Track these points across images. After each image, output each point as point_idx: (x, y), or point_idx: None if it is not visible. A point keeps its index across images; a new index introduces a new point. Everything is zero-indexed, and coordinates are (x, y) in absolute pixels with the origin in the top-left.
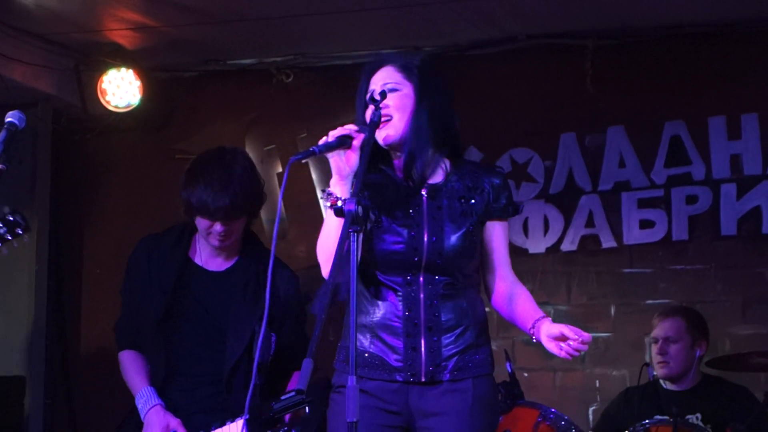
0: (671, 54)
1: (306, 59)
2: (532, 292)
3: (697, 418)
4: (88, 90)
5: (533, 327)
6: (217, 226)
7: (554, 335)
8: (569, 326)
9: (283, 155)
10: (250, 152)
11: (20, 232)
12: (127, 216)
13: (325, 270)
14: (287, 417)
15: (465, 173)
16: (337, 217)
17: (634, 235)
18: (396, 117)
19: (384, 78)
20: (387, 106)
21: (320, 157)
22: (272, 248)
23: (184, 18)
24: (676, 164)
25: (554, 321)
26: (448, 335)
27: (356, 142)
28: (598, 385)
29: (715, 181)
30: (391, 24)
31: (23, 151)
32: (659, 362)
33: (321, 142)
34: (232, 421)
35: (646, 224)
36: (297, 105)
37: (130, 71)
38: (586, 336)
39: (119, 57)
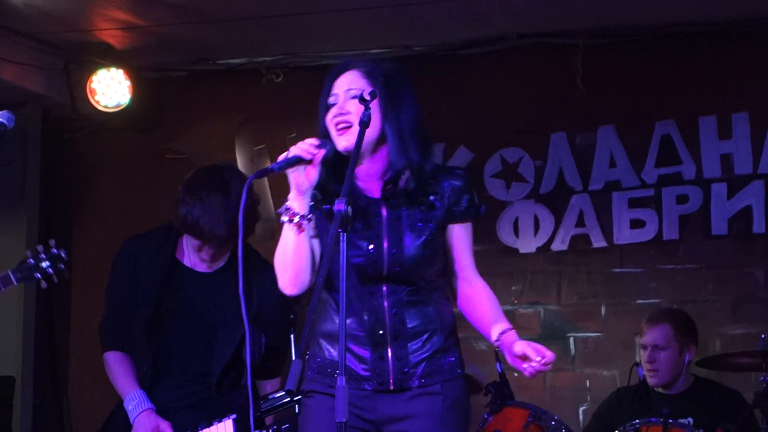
0: (662, 53)
1: (296, 59)
2: (521, 292)
3: (689, 422)
4: (77, 89)
5: (498, 340)
6: (207, 250)
7: (517, 355)
8: (532, 345)
9: (274, 155)
10: (240, 151)
11: (62, 267)
12: (117, 216)
13: (282, 281)
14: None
15: (423, 177)
16: (300, 235)
17: (624, 235)
18: (356, 123)
19: (349, 83)
20: (348, 113)
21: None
22: (239, 252)
23: (174, 17)
24: (667, 164)
25: (544, 326)
26: (415, 342)
27: (309, 157)
28: (588, 385)
29: (705, 181)
30: (382, 23)
31: (13, 150)
32: (649, 370)
33: (280, 158)
34: (220, 421)
35: (636, 224)
36: (287, 104)
37: (120, 71)
38: (549, 357)
39: (109, 56)
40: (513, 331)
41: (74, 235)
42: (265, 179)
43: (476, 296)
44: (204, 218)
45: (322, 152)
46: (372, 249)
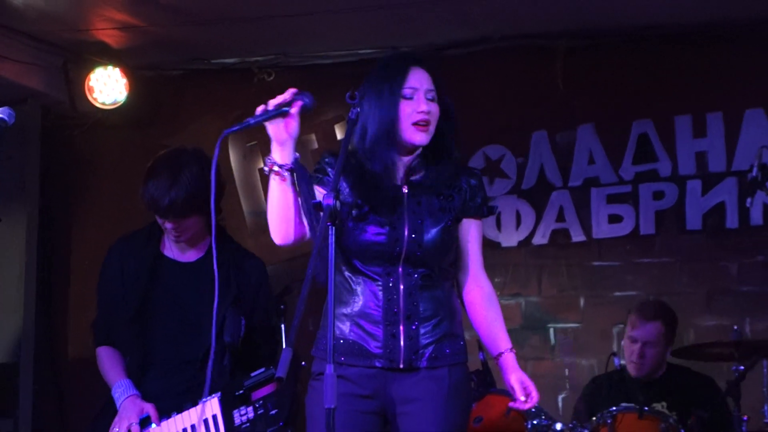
0: (639, 55)
1: (287, 58)
2: (504, 284)
3: (662, 406)
4: (75, 87)
5: (499, 357)
6: (167, 224)
7: (509, 384)
8: (522, 383)
9: (264, 151)
10: (233, 148)
11: None
12: (114, 209)
13: (272, 232)
14: (260, 393)
15: (444, 171)
16: (284, 183)
17: (602, 230)
18: (432, 125)
19: (427, 83)
20: (429, 113)
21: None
22: (213, 239)
23: (169, 18)
24: (644, 161)
25: (525, 317)
26: (426, 324)
27: (294, 110)
28: (567, 373)
29: (680, 178)
30: (370, 24)
31: (12, 146)
32: (635, 362)
33: (258, 111)
34: (206, 400)
35: (614, 219)
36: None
37: (117, 69)
38: (533, 401)
39: (106, 55)
40: (512, 354)
41: (73, 228)
42: (257, 174)
43: (483, 300)
44: (155, 190)
45: (299, 104)
46: (394, 227)
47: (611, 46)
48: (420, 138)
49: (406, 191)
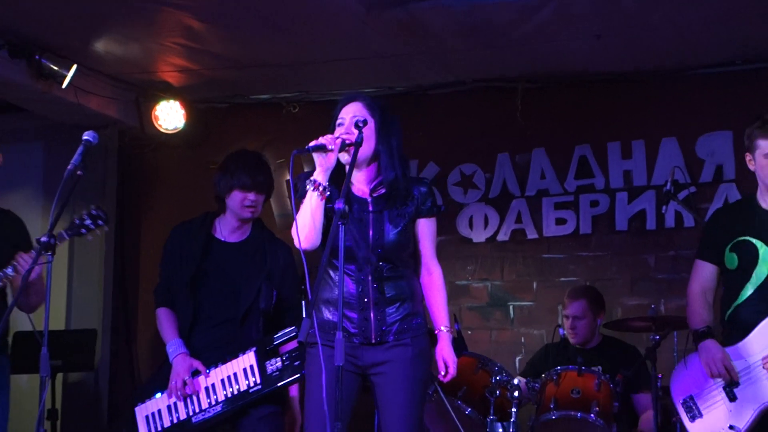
0: (580, 95)
1: (309, 95)
2: (474, 271)
3: (598, 369)
4: (145, 116)
5: (437, 331)
6: (251, 195)
7: (436, 358)
8: (441, 358)
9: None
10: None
11: (101, 223)
12: (173, 210)
13: (301, 236)
14: (286, 348)
15: (399, 184)
16: (322, 200)
17: (551, 230)
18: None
19: (353, 110)
20: (353, 133)
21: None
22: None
23: (218, 63)
24: (583, 177)
25: (491, 297)
26: (391, 307)
27: (332, 147)
28: (523, 340)
29: (611, 190)
30: (373, 70)
31: (96, 161)
32: (570, 333)
33: (311, 144)
34: (244, 353)
35: (560, 221)
36: (301, 130)
37: (177, 102)
38: (449, 376)
39: (168, 91)
40: (444, 333)
41: (142, 223)
42: (284, 184)
43: (431, 285)
44: (246, 170)
45: (338, 144)
46: (361, 233)
47: (558, 88)
48: (344, 155)
49: (371, 204)
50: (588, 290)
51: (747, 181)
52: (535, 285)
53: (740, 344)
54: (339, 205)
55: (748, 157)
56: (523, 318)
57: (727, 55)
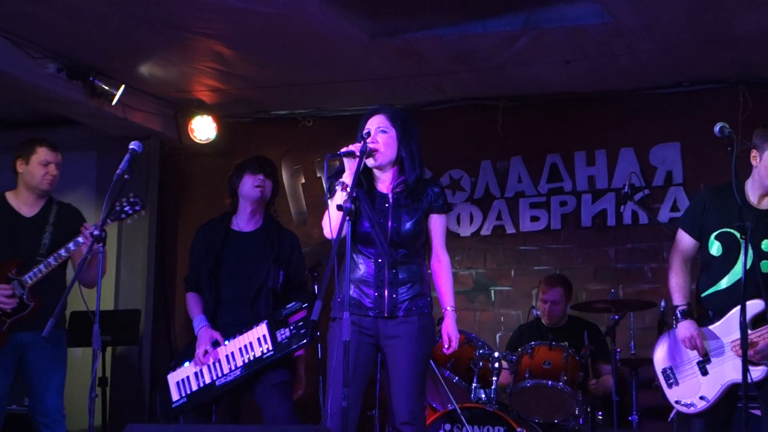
0: (552, 111)
1: (321, 111)
2: (461, 260)
3: (565, 345)
4: (182, 129)
5: (443, 310)
6: (260, 176)
7: (442, 333)
8: (447, 335)
9: (306, 172)
10: (284, 170)
11: (138, 209)
12: (204, 208)
13: (331, 229)
14: (293, 319)
15: (416, 185)
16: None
17: (526, 226)
18: (383, 149)
19: (377, 122)
20: (377, 142)
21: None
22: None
23: (244, 84)
24: (554, 181)
25: (475, 282)
26: (403, 287)
27: (359, 153)
28: (502, 320)
29: (578, 192)
30: (375, 90)
31: (140, 166)
32: (546, 315)
33: (342, 150)
34: (257, 325)
35: (534, 219)
36: (314, 141)
37: (209, 117)
38: (452, 349)
39: (202, 108)
40: (450, 312)
41: (179, 220)
42: (300, 187)
43: (440, 271)
44: (255, 160)
45: (360, 147)
46: (381, 221)
47: (533, 105)
48: (371, 160)
49: (391, 198)
50: (562, 279)
51: (693, 184)
52: (512, 273)
53: (714, 326)
54: (347, 204)
55: (753, 153)
56: (503, 301)
57: (677, 78)
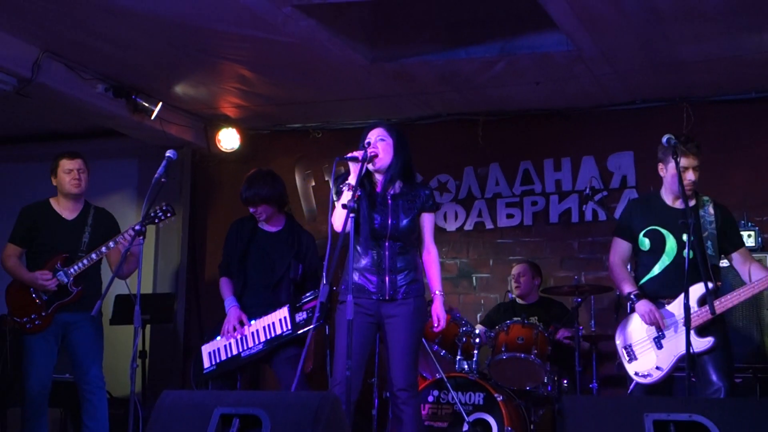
0: (524, 125)
1: (328, 124)
2: (448, 251)
3: (535, 319)
4: (211, 139)
5: (432, 294)
6: (250, 208)
7: (431, 314)
8: (436, 315)
9: (315, 176)
10: (297, 174)
11: (170, 215)
12: (230, 208)
13: (339, 224)
14: (309, 305)
15: (410, 187)
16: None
17: (503, 222)
18: (381, 154)
19: (377, 133)
20: (377, 148)
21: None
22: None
23: (262, 101)
24: (526, 184)
25: (459, 270)
26: (401, 274)
27: (360, 158)
28: (482, 302)
29: (546, 193)
30: (374, 106)
31: (175, 172)
32: (515, 286)
33: (348, 155)
34: (280, 308)
35: (509, 216)
36: (323, 150)
37: (234, 129)
38: (440, 327)
39: (227, 121)
40: (438, 295)
41: (208, 218)
42: (310, 189)
43: (429, 261)
44: (244, 190)
45: (362, 154)
46: (383, 218)
47: (508, 120)
48: (373, 165)
49: (390, 198)
50: (528, 262)
51: (644, 187)
52: (491, 262)
53: (668, 307)
54: (351, 203)
55: (660, 166)
56: (483, 286)
57: (630, 96)
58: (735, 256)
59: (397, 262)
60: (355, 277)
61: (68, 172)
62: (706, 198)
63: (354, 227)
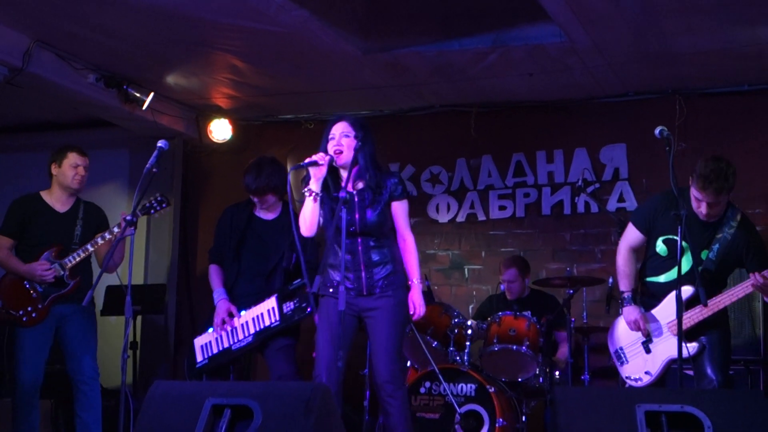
0: (517, 116)
1: (321, 115)
2: (440, 243)
3: (528, 314)
4: (202, 130)
5: (410, 282)
6: (255, 198)
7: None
8: (413, 303)
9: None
10: (289, 165)
11: (165, 206)
12: (221, 198)
13: (303, 229)
14: (297, 294)
15: (376, 179)
16: (315, 203)
17: (495, 214)
18: (345, 151)
19: (341, 128)
20: (341, 145)
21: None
22: (290, 205)
23: (254, 92)
24: (519, 176)
25: (451, 262)
26: (377, 268)
27: (322, 162)
28: (474, 294)
29: (539, 185)
30: (367, 97)
31: (166, 162)
32: (508, 292)
33: (305, 160)
34: (268, 297)
35: (501, 208)
36: (315, 141)
37: (225, 120)
38: (417, 315)
39: (219, 112)
40: (414, 284)
41: (200, 209)
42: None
43: (405, 250)
44: (248, 180)
45: (327, 159)
46: (350, 215)
47: (501, 111)
48: (337, 160)
49: (356, 195)
50: (516, 260)
51: (636, 179)
52: (483, 254)
53: (654, 311)
54: (342, 194)
55: (691, 179)
56: (475, 277)
57: (622, 89)
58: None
59: (372, 256)
60: (332, 274)
61: (75, 167)
62: (737, 210)
63: (327, 225)
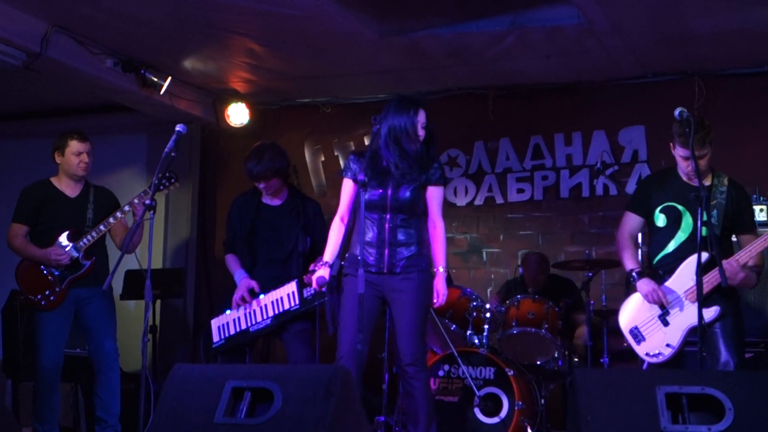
0: (535, 99)
1: (338, 99)
2: (458, 226)
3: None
4: (220, 114)
5: (435, 269)
6: (259, 184)
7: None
8: (437, 290)
9: (325, 151)
10: (307, 149)
11: (173, 181)
12: (238, 182)
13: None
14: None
15: (418, 159)
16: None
17: (513, 197)
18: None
19: (423, 119)
20: (421, 134)
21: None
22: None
23: (272, 76)
24: (537, 159)
25: (469, 245)
26: (402, 248)
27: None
28: (492, 277)
29: (557, 168)
30: (384, 81)
31: (185, 146)
32: (530, 286)
33: (309, 288)
34: (288, 282)
35: (520, 191)
36: (332, 124)
37: (243, 104)
38: (438, 303)
39: (237, 96)
40: (440, 271)
41: (217, 192)
42: (320, 164)
43: (434, 236)
44: (249, 165)
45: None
46: (383, 191)
47: (519, 94)
48: (413, 148)
49: (394, 171)
50: (540, 262)
51: (655, 161)
52: (501, 237)
53: (668, 282)
54: (361, 176)
55: (671, 144)
56: (493, 260)
57: (641, 70)
58: (743, 237)
59: (398, 235)
60: (358, 250)
61: (78, 154)
62: (722, 175)
63: (357, 200)
